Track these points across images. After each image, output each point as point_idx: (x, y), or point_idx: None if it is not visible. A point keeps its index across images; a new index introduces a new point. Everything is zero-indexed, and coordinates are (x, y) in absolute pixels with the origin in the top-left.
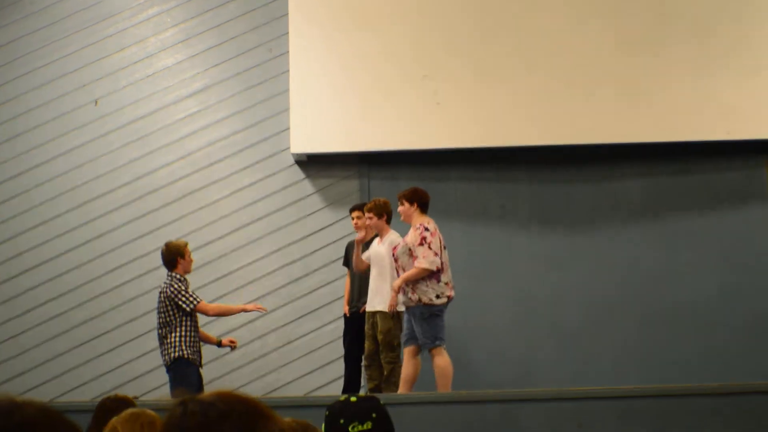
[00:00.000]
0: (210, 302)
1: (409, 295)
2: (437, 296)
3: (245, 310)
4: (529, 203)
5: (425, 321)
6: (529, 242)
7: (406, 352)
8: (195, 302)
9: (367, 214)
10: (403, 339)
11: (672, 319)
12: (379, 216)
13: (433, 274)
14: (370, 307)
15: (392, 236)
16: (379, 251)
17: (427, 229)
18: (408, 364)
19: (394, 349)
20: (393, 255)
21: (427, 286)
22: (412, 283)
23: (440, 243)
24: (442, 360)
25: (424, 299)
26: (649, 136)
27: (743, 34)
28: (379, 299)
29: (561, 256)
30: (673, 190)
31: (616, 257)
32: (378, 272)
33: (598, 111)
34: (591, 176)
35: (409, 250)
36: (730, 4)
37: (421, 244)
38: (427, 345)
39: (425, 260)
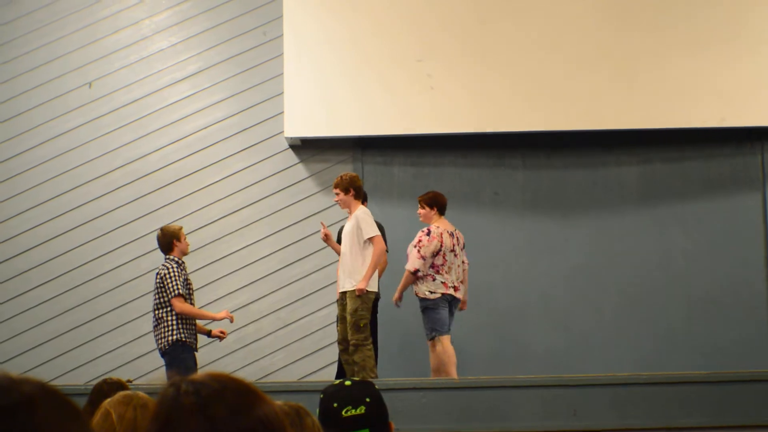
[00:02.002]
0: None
1: (420, 287)
2: (431, 292)
3: (215, 319)
4: (524, 189)
5: (423, 313)
6: (523, 228)
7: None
8: (173, 293)
9: (333, 190)
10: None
11: (667, 304)
12: (346, 191)
13: (428, 273)
14: (341, 287)
15: (359, 212)
16: (347, 230)
17: (428, 234)
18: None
19: (361, 330)
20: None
21: (422, 282)
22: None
23: (439, 247)
24: (438, 348)
25: (419, 293)
26: (644, 123)
27: (738, 19)
28: (348, 279)
29: (555, 242)
30: (668, 176)
31: (611, 243)
32: (347, 250)
33: (593, 97)
34: (585, 162)
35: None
36: None
37: (416, 245)
38: (426, 335)
39: (409, 263)
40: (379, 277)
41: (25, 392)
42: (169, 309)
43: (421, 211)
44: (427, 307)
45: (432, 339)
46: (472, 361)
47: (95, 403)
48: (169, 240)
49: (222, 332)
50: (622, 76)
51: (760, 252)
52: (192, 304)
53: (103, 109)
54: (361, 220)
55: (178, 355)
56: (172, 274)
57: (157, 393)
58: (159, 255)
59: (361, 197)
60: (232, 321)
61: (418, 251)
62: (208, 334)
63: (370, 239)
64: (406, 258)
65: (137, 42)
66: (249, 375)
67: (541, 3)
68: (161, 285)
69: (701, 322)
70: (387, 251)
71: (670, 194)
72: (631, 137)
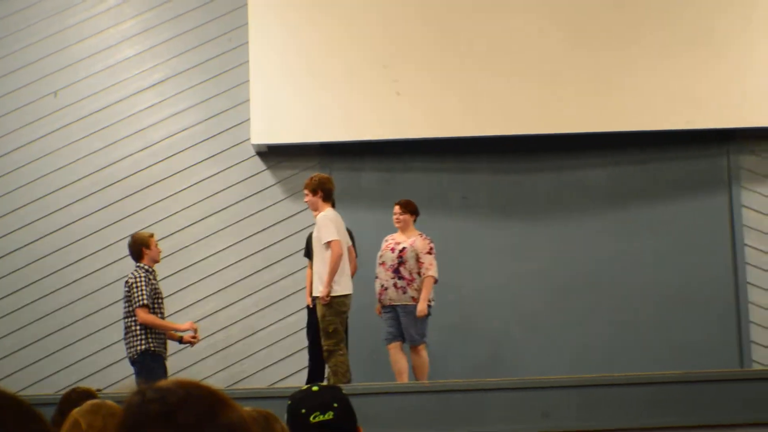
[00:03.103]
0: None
1: (410, 293)
2: (432, 299)
3: (179, 330)
4: (491, 193)
5: (418, 319)
6: (491, 232)
7: (394, 348)
8: (138, 303)
9: (303, 191)
10: (386, 337)
11: (636, 306)
12: (314, 193)
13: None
14: (314, 293)
15: (319, 216)
16: (314, 235)
17: (432, 241)
18: (401, 359)
19: (330, 336)
20: (401, 255)
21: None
22: (409, 282)
23: None
24: (424, 355)
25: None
26: (610, 126)
27: (703, 22)
28: (317, 285)
29: (522, 246)
30: (635, 179)
31: (578, 247)
32: (316, 256)
33: (558, 101)
34: (553, 166)
35: (417, 255)
36: None
37: (429, 252)
38: (415, 341)
39: (434, 269)
40: (352, 276)
41: None
42: (136, 318)
43: (402, 217)
44: (427, 313)
45: (421, 344)
46: (443, 365)
47: (64, 413)
48: (138, 248)
49: (193, 338)
50: (588, 79)
51: (726, 252)
52: (162, 313)
53: (70, 117)
54: (320, 223)
55: (148, 364)
56: (139, 283)
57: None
58: (129, 262)
59: (330, 200)
60: (196, 332)
61: (434, 257)
62: (180, 340)
63: (328, 243)
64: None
65: (103, 50)
66: (219, 382)
67: (504, 7)
68: (129, 293)
69: (670, 322)
70: (357, 256)
71: (638, 196)
72: (598, 140)
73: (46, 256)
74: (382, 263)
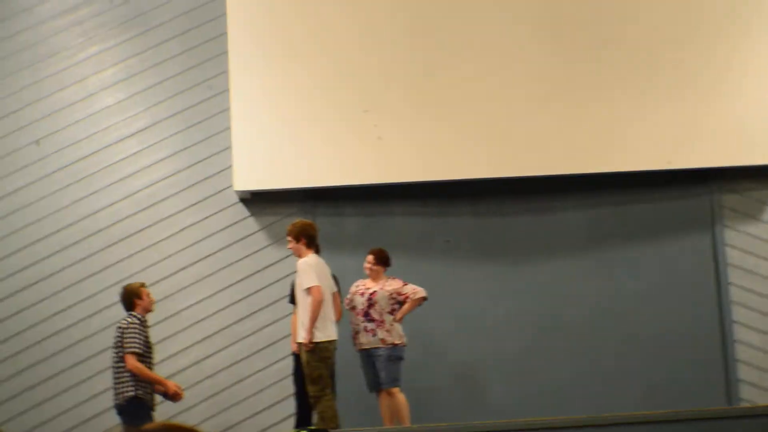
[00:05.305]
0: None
1: (380, 335)
2: (400, 338)
3: (165, 386)
4: (473, 236)
5: (388, 361)
6: (474, 275)
7: (385, 396)
8: (129, 349)
9: (287, 237)
10: (369, 386)
11: (617, 348)
12: (297, 239)
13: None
14: (298, 339)
15: (299, 263)
16: (298, 282)
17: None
18: (398, 403)
19: (315, 382)
20: (371, 298)
21: (393, 329)
22: (392, 323)
23: None
24: (400, 398)
25: (394, 340)
26: (591, 167)
27: (684, 63)
28: (301, 331)
29: (506, 289)
30: (617, 220)
31: (561, 287)
32: (299, 302)
33: (539, 143)
34: (534, 208)
35: (389, 296)
36: (670, 34)
37: (405, 284)
38: (387, 384)
39: (421, 289)
40: (337, 322)
41: None
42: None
43: (374, 267)
44: (398, 355)
45: (392, 387)
46: (428, 409)
47: None
48: (129, 299)
49: (177, 393)
50: (567, 121)
51: (711, 292)
52: (151, 364)
53: (52, 166)
54: (300, 270)
55: (135, 413)
56: (132, 330)
57: None
58: (112, 313)
59: (314, 246)
60: (180, 397)
61: (411, 285)
62: (164, 394)
63: (308, 289)
64: (364, 309)
65: (84, 99)
66: (207, 430)
67: (484, 52)
68: (120, 339)
69: (656, 362)
70: (342, 301)
71: (619, 237)
72: (578, 182)
73: (30, 307)
74: (353, 308)
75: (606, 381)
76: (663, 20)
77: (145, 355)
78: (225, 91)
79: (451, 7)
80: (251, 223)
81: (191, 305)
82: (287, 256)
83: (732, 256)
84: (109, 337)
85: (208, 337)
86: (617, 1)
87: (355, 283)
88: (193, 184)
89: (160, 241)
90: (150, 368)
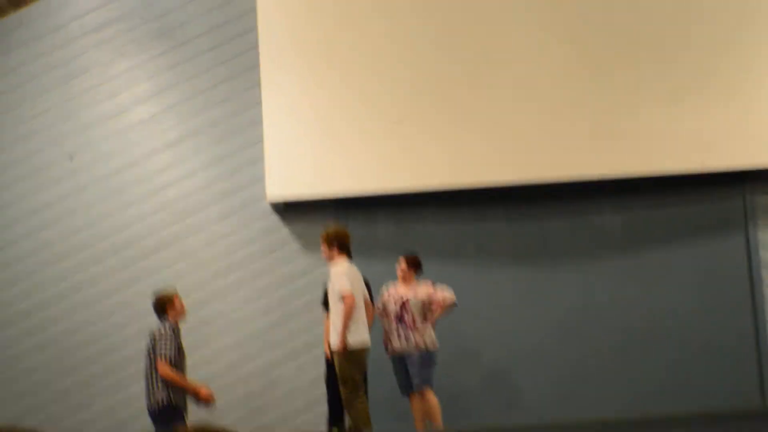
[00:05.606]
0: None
1: (415, 340)
2: (433, 342)
3: (196, 390)
4: (506, 241)
5: (420, 364)
6: (507, 280)
7: (417, 398)
8: (161, 356)
9: (320, 244)
10: (402, 390)
11: (651, 349)
12: (329, 246)
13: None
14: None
15: (332, 269)
16: (331, 288)
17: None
18: (430, 405)
19: (348, 386)
20: (404, 304)
21: (427, 332)
22: (424, 328)
23: None
24: (432, 399)
25: (427, 344)
26: (624, 170)
27: (714, 62)
28: (333, 336)
29: (538, 293)
30: (650, 223)
31: (596, 292)
32: (332, 308)
33: (572, 147)
34: (567, 212)
35: (422, 303)
36: (702, 36)
37: (435, 289)
38: (419, 386)
39: (451, 294)
40: (369, 327)
41: None
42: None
43: (408, 272)
44: (431, 359)
45: (423, 389)
46: (460, 411)
47: None
48: (162, 306)
49: (209, 398)
50: (600, 125)
51: (746, 294)
52: (184, 370)
53: (85, 180)
54: (333, 276)
55: (168, 419)
56: (165, 337)
57: None
58: (147, 322)
59: (346, 252)
60: (213, 402)
61: (441, 290)
62: (197, 399)
63: (341, 295)
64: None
65: (117, 113)
66: None
67: (514, 58)
68: (153, 345)
69: (689, 363)
70: (374, 307)
71: (653, 240)
72: (611, 185)
73: (66, 316)
74: (385, 313)
75: (640, 382)
76: (695, 22)
77: (177, 361)
78: (257, 102)
79: (482, 16)
80: (284, 233)
81: (225, 313)
82: (320, 264)
83: (766, 257)
84: (144, 345)
85: (242, 342)
86: (647, 5)
87: (387, 288)
88: (226, 195)
89: (195, 251)
90: (182, 374)
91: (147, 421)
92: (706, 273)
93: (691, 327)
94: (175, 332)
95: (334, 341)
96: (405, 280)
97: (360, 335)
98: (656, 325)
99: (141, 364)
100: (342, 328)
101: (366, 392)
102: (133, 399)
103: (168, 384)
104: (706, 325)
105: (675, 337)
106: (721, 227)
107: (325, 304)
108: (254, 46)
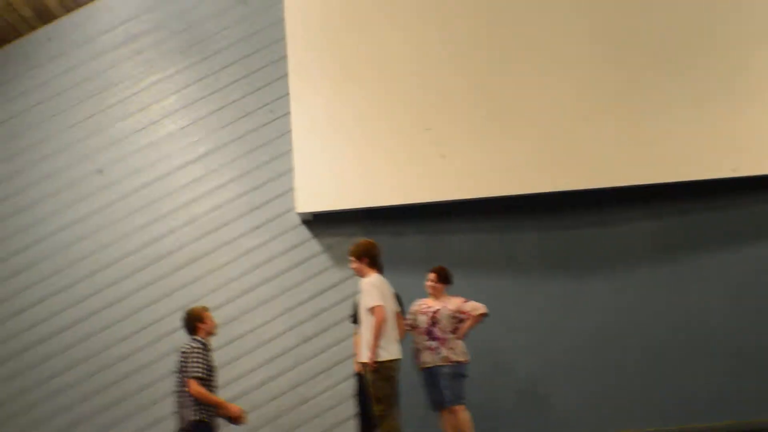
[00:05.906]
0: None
1: (443, 353)
2: (464, 355)
3: (227, 408)
4: (536, 251)
5: (452, 379)
6: (538, 290)
7: (448, 414)
8: (192, 374)
9: (349, 257)
10: (432, 405)
11: (685, 359)
12: (359, 259)
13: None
14: (362, 359)
15: (363, 282)
16: (362, 301)
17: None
18: (462, 420)
19: (380, 402)
20: (434, 317)
21: (456, 346)
22: (454, 341)
23: None
24: (463, 416)
25: (459, 358)
26: (655, 178)
27: (747, 71)
28: (364, 351)
29: (570, 303)
30: (682, 230)
31: (629, 300)
32: (362, 322)
33: (602, 155)
34: (598, 220)
35: (452, 314)
36: (732, 42)
37: (466, 301)
38: (450, 402)
39: (482, 306)
40: (400, 341)
41: None
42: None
43: (437, 285)
44: (461, 373)
45: (456, 405)
46: (491, 426)
47: None
48: (192, 323)
49: (240, 416)
50: (629, 132)
51: None
52: (214, 387)
53: (115, 194)
54: (363, 290)
55: None
56: (195, 355)
57: None
58: (179, 336)
59: (377, 265)
60: (244, 420)
61: (472, 302)
62: (228, 417)
63: (371, 309)
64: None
65: (147, 127)
66: None
67: (543, 66)
68: (184, 363)
69: (723, 372)
70: (405, 320)
71: (686, 247)
72: (642, 192)
73: (97, 333)
74: (415, 327)
75: (675, 392)
76: (725, 28)
77: (208, 379)
78: (286, 114)
79: (507, 26)
80: (313, 245)
81: (255, 328)
82: (350, 277)
83: None
84: (174, 362)
85: (273, 359)
86: (679, 12)
87: (417, 302)
88: (255, 208)
89: (224, 265)
90: (213, 392)
91: None
92: (739, 281)
93: (724, 334)
94: (206, 349)
95: (365, 355)
96: (435, 293)
97: (391, 349)
98: (689, 333)
99: (172, 382)
100: (373, 342)
101: (397, 408)
102: (164, 418)
103: (199, 402)
104: (740, 333)
105: (708, 346)
106: (753, 233)
107: (355, 319)
108: (282, 57)
